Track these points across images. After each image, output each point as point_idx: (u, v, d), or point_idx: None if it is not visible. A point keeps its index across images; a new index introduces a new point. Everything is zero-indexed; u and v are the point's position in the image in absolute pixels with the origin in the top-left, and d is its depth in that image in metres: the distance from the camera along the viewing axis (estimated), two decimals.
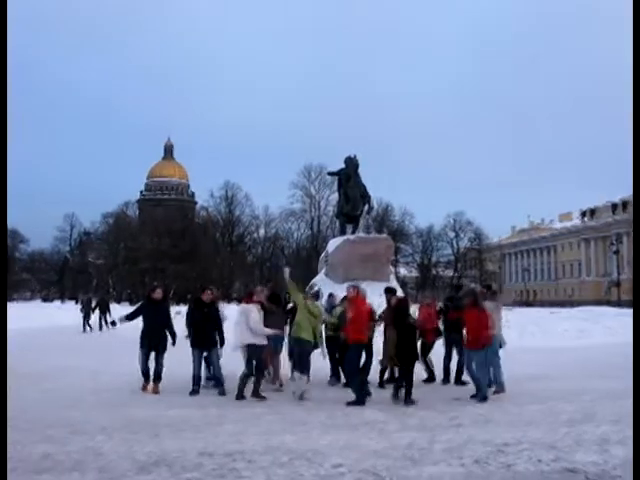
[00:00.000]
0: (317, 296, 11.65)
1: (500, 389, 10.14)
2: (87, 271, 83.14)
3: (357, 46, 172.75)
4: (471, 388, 10.03)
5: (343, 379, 11.00)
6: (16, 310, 31.15)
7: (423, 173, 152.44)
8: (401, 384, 9.62)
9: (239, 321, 10.05)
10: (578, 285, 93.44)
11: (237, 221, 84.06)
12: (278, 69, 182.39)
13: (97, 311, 27.06)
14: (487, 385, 9.89)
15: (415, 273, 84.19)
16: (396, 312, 10.23)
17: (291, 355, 10.71)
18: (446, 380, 11.60)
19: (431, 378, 11.70)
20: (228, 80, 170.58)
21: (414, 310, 11.64)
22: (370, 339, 10.94)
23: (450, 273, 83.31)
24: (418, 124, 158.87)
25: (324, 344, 10.75)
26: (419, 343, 10.85)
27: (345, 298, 11.73)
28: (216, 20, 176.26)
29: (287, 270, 10.89)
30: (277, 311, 10.80)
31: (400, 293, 14.62)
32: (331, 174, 35.80)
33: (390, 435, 7.18)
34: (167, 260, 71.24)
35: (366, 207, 29.98)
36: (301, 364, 10.08)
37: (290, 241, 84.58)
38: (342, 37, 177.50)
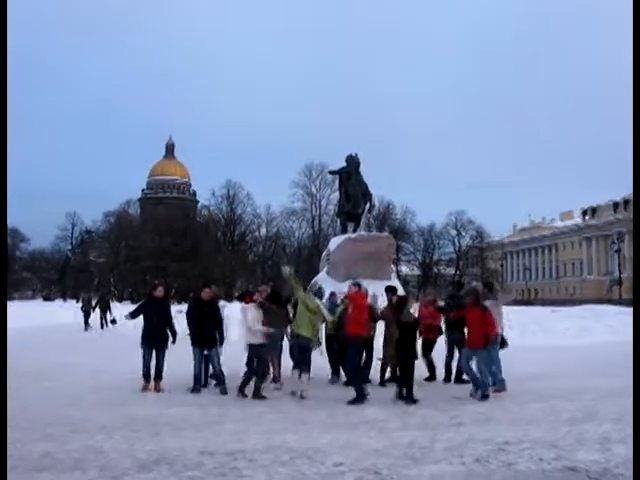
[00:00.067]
0: (319, 294, 11.63)
1: (501, 388, 10.12)
2: (88, 270, 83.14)
3: (357, 46, 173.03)
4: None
5: (343, 377, 10.99)
6: (17, 309, 31.20)
7: (424, 172, 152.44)
8: (403, 382, 9.60)
9: (241, 320, 10.12)
10: (579, 284, 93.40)
11: (239, 220, 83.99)
12: (278, 69, 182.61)
13: (98, 310, 27.07)
14: (488, 384, 9.88)
15: (417, 271, 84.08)
16: (396, 310, 10.24)
17: (292, 354, 10.70)
18: (447, 379, 11.59)
19: (432, 377, 11.69)
20: (228, 80, 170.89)
21: (414, 309, 11.62)
22: (371, 338, 10.95)
23: (452, 271, 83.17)
24: (418, 124, 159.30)
25: (321, 341, 10.73)
26: (420, 341, 10.86)
27: (332, 294, 11.77)
28: (216, 20, 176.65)
29: (287, 268, 10.89)
30: (278, 310, 10.78)
31: (401, 291, 14.61)
32: (332, 173, 35.80)
33: (391, 434, 7.16)
34: (168, 259, 71.21)
35: (367, 205, 29.98)
36: (301, 361, 10.08)
37: (291, 240, 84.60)
38: (342, 37, 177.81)
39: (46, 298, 78.05)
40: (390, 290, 11.68)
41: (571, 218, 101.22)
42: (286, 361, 10.97)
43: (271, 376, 10.90)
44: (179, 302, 39.65)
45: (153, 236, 76.51)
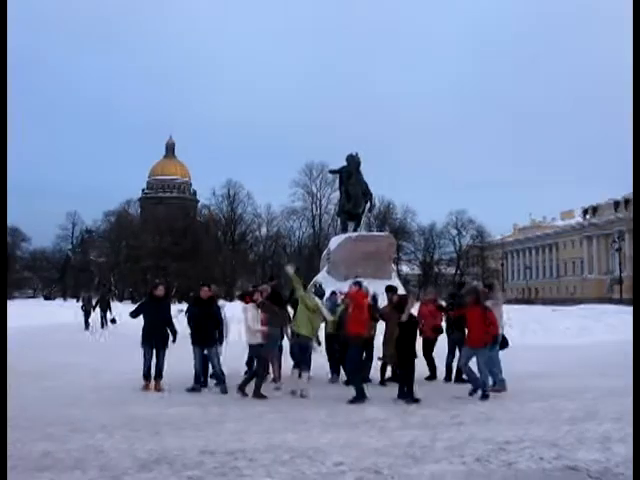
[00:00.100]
0: (319, 293, 11.63)
1: (501, 387, 10.11)
2: (89, 269, 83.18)
3: (357, 46, 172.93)
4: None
5: (344, 377, 10.98)
6: (17, 308, 31.22)
7: (424, 172, 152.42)
8: (404, 382, 9.60)
9: (241, 320, 10.15)
10: (580, 283, 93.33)
11: (239, 219, 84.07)
12: (278, 69, 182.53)
13: (98, 309, 27.05)
14: (488, 383, 9.87)
15: (417, 271, 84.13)
16: (396, 310, 10.24)
17: (292, 353, 10.69)
18: (448, 378, 11.59)
19: (433, 376, 11.69)
20: (228, 80, 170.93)
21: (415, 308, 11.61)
22: (371, 338, 10.94)
23: (452, 271, 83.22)
24: (419, 124, 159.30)
25: (320, 340, 10.72)
26: (420, 340, 10.85)
27: (333, 293, 11.75)
28: (216, 20, 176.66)
29: (290, 267, 10.90)
30: (278, 310, 10.75)
31: (402, 291, 14.62)
32: (333, 172, 35.82)
33: (391, 433, 7.16)
34: (169, 258, 71.26)
35: (368, 205, 29.99)
36: (301, 360, 10.08)
37: (292, 239, 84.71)
38: (342, 37, 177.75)
39: (47, 297, 78.06)
40: (390, 290, 11.69)
41: (572, 217, 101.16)
42: (286, 361, 10.97)
43: (271, 376, 10.89)
44: (179, 301, 39.68)
45: (153, 236, 76.56)
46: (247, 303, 10.49)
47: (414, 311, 10.88)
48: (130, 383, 10.55)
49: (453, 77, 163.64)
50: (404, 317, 9.83)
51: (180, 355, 10.70)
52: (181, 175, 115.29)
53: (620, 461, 5.84)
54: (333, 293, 12.58)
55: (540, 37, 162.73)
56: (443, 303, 12.64)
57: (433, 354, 11.82)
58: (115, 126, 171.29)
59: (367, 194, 29.27)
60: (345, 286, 12.57)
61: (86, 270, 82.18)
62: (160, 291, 10.87)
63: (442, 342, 11.92)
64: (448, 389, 10.65)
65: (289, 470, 5.61)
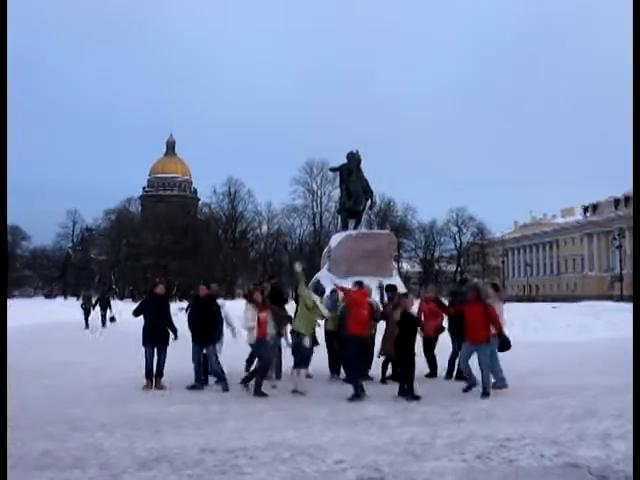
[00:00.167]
0: (319, 290, 11.61)
1: (502, 385, 10.10)
2: (89, 267, 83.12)
3: (357, 46, 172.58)
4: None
5: (343, 374, 10.96)
6: (17, 307, 31.16)
7: (425, 171, 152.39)
8: (404, 379, 9.60)
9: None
10: (580, 280, 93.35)
11: (240, 217, 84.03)
12: (278, 68, 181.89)
13: (98, 307, 27.03)
14: (489, 380, 9.86)
15: (418, 268, 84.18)
16: (395, 308, 10.25)
17: (294, 352, 10.67)
18: (449, 375, 11.58)
19: (433, 373, 11.69)
20: (228, 80, 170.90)
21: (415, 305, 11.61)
22: (372, 337, 10.94)
23: (453, 268, 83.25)
24: (419, 123, 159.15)
25: (316, 338, 10.70)
26: (421, 338, 10.84)
27: (334, 291, 11.74)
28: (216, 20, 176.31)
29: (299, 264, 10.90)
30: (277, 310, 10.70)
31: (402, 289, 14.61)
32: (333, 170, 35.74)
33: (392, 430, 7.16)
34: (169, 256, 71.25)
35: (368, 202, 29.94)
36: (300, 357, 10.07)
37: (293, 237, 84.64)
38: (342, 37, 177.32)
39: (47, 296, 78.00)
40: (391, 289, 11.71)
41: (572, 214, 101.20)
42: (286, 361, 10.95)
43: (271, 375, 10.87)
44: (180, 300, 39.69)
45: (154, 234, 76.53)
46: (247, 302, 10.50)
47: (414, 309, 10.89)
48: (131, 381, 10.55)
49: (453, 77, 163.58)
50: (396, 316, 9.86)
51: (181, 353, 10.69)
52: (182, 173, 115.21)
53: (620, 458, 5.84)
54: (333, 291, 12.55)
55: (540, 37, 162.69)
56: (445, 300, 12.62)
57: (435, 352, 11.82)
58: (115, 126, 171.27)
59: (368, 192, 29.23)
60: (346, 284, 12.55)
61: (86, 268, 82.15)
62: (160, 289, 10.94)
63: (443, 340, 11.92)
64: (448, 386, 10.64)
65: (289, 468, 5.61)
